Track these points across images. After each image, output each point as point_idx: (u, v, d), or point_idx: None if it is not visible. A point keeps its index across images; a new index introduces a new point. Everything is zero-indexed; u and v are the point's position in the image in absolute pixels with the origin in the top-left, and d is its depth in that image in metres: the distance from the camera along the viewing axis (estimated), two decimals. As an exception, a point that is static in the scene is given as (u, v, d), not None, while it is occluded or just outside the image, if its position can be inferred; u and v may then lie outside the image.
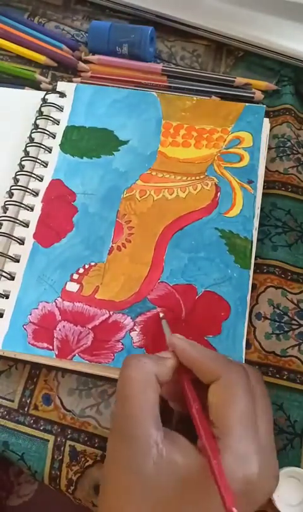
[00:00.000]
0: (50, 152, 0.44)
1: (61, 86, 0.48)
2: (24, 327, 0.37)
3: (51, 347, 0.37)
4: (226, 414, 0.28)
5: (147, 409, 0.28)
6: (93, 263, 0.39)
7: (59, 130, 0.45)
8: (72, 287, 0.39)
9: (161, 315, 0.37)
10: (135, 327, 0.37)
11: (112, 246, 0.40)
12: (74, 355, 0.36)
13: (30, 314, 0.38)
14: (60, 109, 0.46)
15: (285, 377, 0.37)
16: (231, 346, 0.36)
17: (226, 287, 0.38)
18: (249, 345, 0.37)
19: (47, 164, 0.44)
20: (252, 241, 0.39)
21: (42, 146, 0.44)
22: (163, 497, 0.26)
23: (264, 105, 0.45)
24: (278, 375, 0.37)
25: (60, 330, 0.37)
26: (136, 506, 0.26)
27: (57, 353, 0.36)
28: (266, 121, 0.45)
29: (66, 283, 0.39)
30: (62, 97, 0.47)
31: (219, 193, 0.41)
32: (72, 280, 0.39)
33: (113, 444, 0.29)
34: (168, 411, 0.32)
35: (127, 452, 0.27)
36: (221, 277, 0.38)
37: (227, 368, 0.29)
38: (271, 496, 0.31)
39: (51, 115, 0.46)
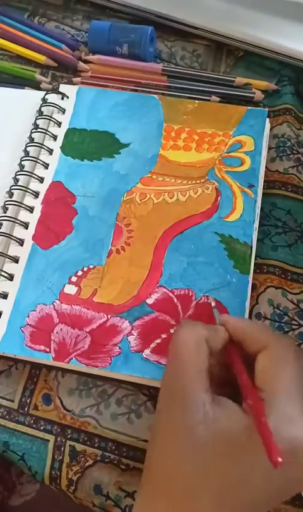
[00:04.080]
0: (51, 154, 0.44)
1: (63, 88, 0.48)
2: (22, 329, 0.37)
3: (48, 349, 0.37)
4: (274, 378, 0.28)
5: (198, 370, 0.28)
6: (91, 266, 0.39)
7: (61, 132, 0.45)
8: (71, 289, 0.39)
9: (213, 304, 0.37)
10: (133, 331, 0.37)
11: (111, 249, 0.40)
12: (71, 358, 0.36)
13: (28, 316, 0.38)
14: (62, 111, 0.46)
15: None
16: None
17: (224, 292, 0.38)
18: (248, 345, 0.37)
19: (47, 166, 0.44)
20: (251, 246, 0.39)
21: (43, 147, 0.44)
22: (209, 456, 0.27)
23: (266, 109, 0.45)
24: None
25: (57, 333, 0.37)
26: (183, 464, 0.27)
27: (54, 355, 0.36)
28: (266, 121, 0.45)
29: (64, 285, 0.39)
30: (64, 99, 0.47)
31: (219, 197, 0.41)
32: (70, 282, 0.39)
33: (163, 402, 0.30)
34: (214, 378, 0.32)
35: (176, 411, 0.28)
36: (220, 282, 0.38)
37: (276, 338, 0.30)
38: None
39: (53, 117, 0.46)
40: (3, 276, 0.39)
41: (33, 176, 0.43)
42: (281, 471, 0.24)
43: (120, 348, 0.36)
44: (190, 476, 0.27)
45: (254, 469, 0.26)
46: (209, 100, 0.47)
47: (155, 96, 0.47)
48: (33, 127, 0.45)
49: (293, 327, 0.38)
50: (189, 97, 0.48)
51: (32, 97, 0.48)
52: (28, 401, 0.38)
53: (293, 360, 0.29)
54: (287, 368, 0.28)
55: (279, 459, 0.23)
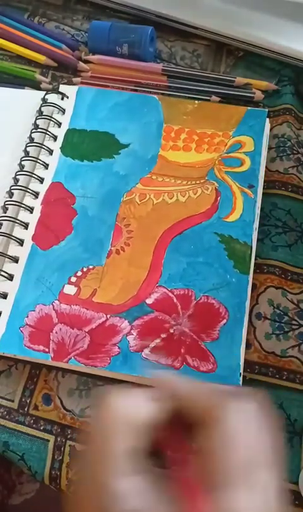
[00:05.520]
0: (51, 154, 0.44)
1: (63, 88, 0.48)
2: (21, 329, 0.38)
3: (47, 349, 0.37)
4: (223, 463, 0.22)
5: (120, 455, 0.22)
6: (91, 267, 0.39)
7: (61, 133, 0.45)
8: (70, 290, 0.39)
9: (144, 353, 0.35)
10: (132, 331, 0.37)
11: (110, 250, 0.40)
12: (70, 358, 0.36)
13: (27, 316, 0.38)
14: (62, 111, 0.46)
15: (284, 378, 0.37)
16: (229, 352, 0.36)
17: (224, 292, 0.38)
18: (249, 345, 0.37)
19: (47, 166, 0.44)
20: (251, 246, 0.39)
21: (43, 147, 0.44)
22: None
23: (266, 110, 0.45)
24: (277, 376, 0.37)
25: (56, 333, 0.37)
26: None
27: (52, 355, 0.36)
28: (266, 121, 0.45)
29: (64, 286, 0.39)
30: (64, 99, 0.47)
31: (219, 198, 0.41)
32: (70, 283, 0.39)
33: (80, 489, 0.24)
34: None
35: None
36: (219, 282, 0.38)
37: (227, 406, 0.23)
38: None
39: (53, 117, 0.46)
40: (3, 276, 0.39)
41: (33, 176, 0.43)
42: None
43: (119, 348, 0.36)
44: None
45: None
46: (209, 100, 0.47)
47: (155, 96, 0.47)
48: (33, 127, 0.45)
49: (293, 327, 0.38)
50: (189, 97, 0.48)
51: (32, 97, 0.48)
52: (28, 401, 0.38)
53: (254, 427, 0.23)
54: (240, 448, 0.22)
55: None
